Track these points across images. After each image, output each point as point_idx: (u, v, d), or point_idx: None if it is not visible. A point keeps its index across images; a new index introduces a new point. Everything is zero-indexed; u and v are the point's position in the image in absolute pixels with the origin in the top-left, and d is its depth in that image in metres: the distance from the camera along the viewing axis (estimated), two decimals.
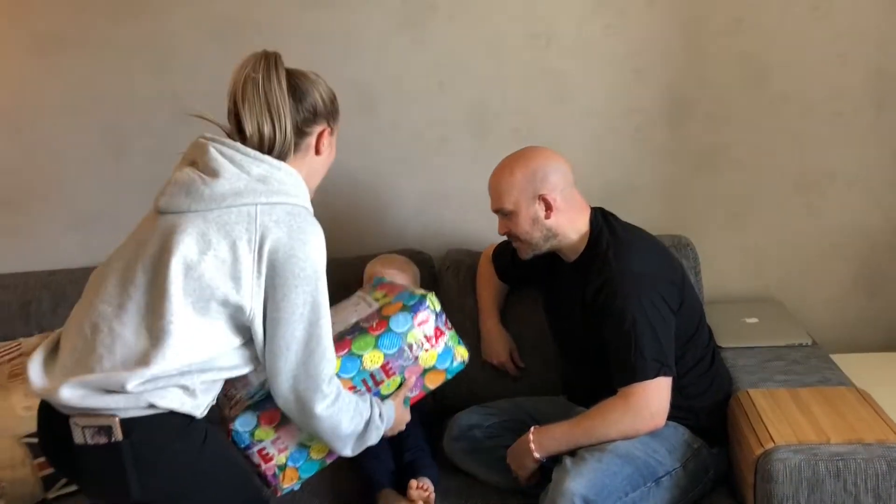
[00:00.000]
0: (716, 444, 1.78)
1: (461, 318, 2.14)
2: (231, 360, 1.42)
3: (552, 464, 1.71)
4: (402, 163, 2.37)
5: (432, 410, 2.13)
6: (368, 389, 1.58)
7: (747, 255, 2.36)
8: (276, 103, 1.41)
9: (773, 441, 1.56)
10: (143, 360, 1.33)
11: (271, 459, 1.54)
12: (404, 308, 1.63)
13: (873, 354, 2.27)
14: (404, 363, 1.61)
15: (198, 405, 1.40)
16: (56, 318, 2.22)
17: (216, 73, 2.31)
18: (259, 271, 1.36)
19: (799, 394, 1.75)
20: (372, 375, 1.58)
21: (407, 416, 1.64)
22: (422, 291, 1.69)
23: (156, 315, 1.34)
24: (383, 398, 1.59)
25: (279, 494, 1.58)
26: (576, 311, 1.78)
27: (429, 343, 1.62)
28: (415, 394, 1.66)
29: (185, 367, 1.35)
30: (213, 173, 1.39)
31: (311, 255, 1.37)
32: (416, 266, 2.14)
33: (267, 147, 1.42)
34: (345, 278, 2.09)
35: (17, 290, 2.30)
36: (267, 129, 1.41)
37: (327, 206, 2.34)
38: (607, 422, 1.67)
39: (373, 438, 1.52)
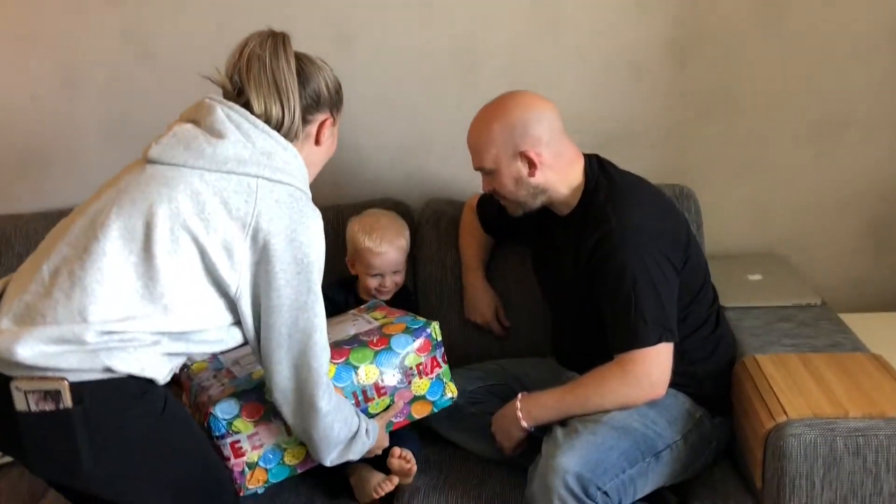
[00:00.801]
0: (719, 413, 1.64)
1: (442, 274, 1.98)
2: (215, 336, 1.32)
3: (541, 433, 1.57)
4: (381, 103, 2.17)
5: None
6: (357, 404, 1.50)
7: (752, 208, 2.20)
8: (285, 85, 1.33)
9: (786, 414, 1.42)
10: (113, 313, 1.21)
11: (243, 455, 1.43)
12: (407, 330, 1.57)
13: (881, 314, 2.13)
14: (397, 385, 1.54)
15: (161, 371, 1.27)
16: (0, 269, 2.03)
17: (176, 6, 2.13)
18: (253, 249, 1.27)
19: (810, 359, 1.60)
20: (364, 391, 1.51)
21: (386, 441, 1.56)
22: (425, 319, 1.62)
23: (135, 270, 1.23)
24: (369, 416, 1.52)
25: (242, 494, 1.46)
26: (569, 268, 1.62)
27: (424, 371, 1.57)
28: (399, 420, 1.58)
29: (162, 330, 1.24)
30: (217, 134, 1.30)
31: (313, 240, 1.29)
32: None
33: (273, 128, 1.34)
34: None
35: None
36: (276, 111, 1.33)
37: None
38: (603, 390, 1.52)
39: (356, 452, 1.44)
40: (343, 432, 1.39)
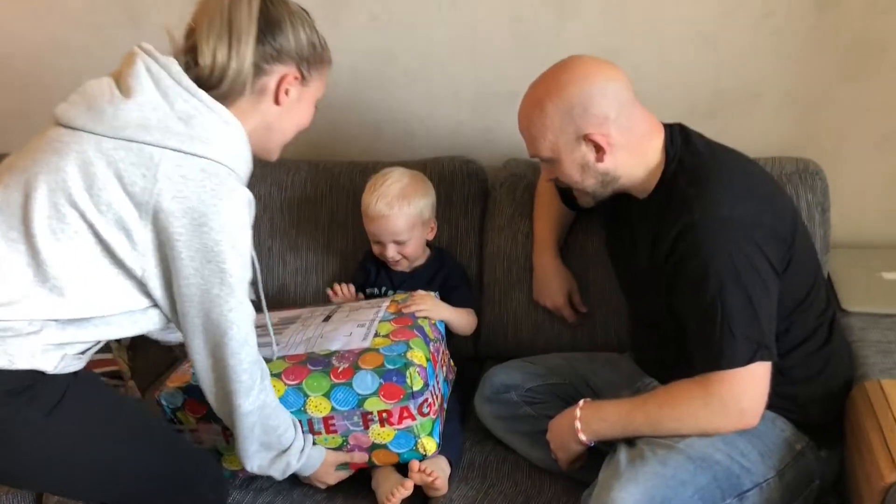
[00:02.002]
0: (826, 444, 1.34)
1: (513, 247, 1.74)
2: (125, 321, 1.17)
3: (607, 447, 1.33)
4: (459, 47, 1.91)
5: (469, 358, 1.77)
6: None
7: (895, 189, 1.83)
8: (241, 25, 1.14)
9: None
10: None
11: None
12: (380, 368, 1.35)
13: None
14: (351, 427, 1.36)
15: (47, 362, 1.12)
16: None
17: None
18: (154, 231, 1.11)
19: None
20: (310, 422, 1.36)
21: (332, 479, 1.41)
22: (414, 357, 1.37)
23: (18, 249, 1.10)
24: None
25: None
26: (644, 262, 1.35)
27: (388, 419, 1.35)
28: (357, 461, 1.41)
29: (51, 317, 1.10)
30: (126, 91, 1.13)
31: (226, 225, 1.11)
32: (453, 185, 1.76)
33: (217, 77, 1.15)
34: None
35: None
36: (221, 56, 1.14)
37: (362, 101, 1.98)
38: (680, 413, 1.26)
39: (278, 470, 1.30)
40: (268, 438, 1.25)
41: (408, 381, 1.34)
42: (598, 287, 1.68)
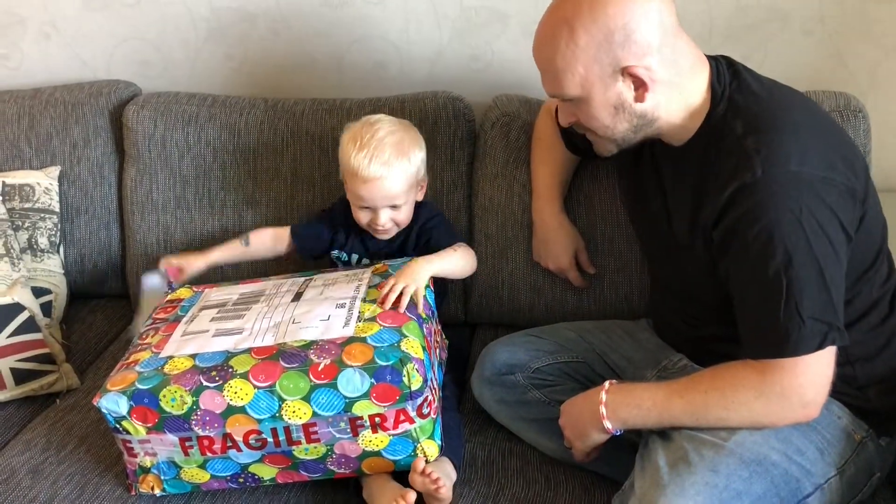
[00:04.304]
0: (885, 431, 1.17)
1: (508, 200, 1.51)
2: None
3: (635, 436, 1.15)
4: None
5: (458, 324, 1.55)
6: (277, 444, 1.15)
7: None
8: None
9: None
10: None
11: (135, 456, 1.20)
12: (370, 365, 1.12)
13: None
14: (338, 435, 1.14)
15: None
16: None
17: None
18: None
19: None
20: (287, 430, 1.14)
21: None
22: (410, 347, 1.14)
23: None
24: (295, 461, 1.17)
25: (133, 494, 1.24)
26: (682, 225, 1.14)
27: (381, 424, 1.13)
28: (343, 472, 1.20)
29: None
30: None
31: None
32: (440, 132, 1.50)
33: None
34: None
35: None
36: None
37: (322, 24, 1.69)
38: (729, 402, 1.06)
39: None
40: None
41: (405, 379, 1.11)
42: (608, 243, 1.47)
